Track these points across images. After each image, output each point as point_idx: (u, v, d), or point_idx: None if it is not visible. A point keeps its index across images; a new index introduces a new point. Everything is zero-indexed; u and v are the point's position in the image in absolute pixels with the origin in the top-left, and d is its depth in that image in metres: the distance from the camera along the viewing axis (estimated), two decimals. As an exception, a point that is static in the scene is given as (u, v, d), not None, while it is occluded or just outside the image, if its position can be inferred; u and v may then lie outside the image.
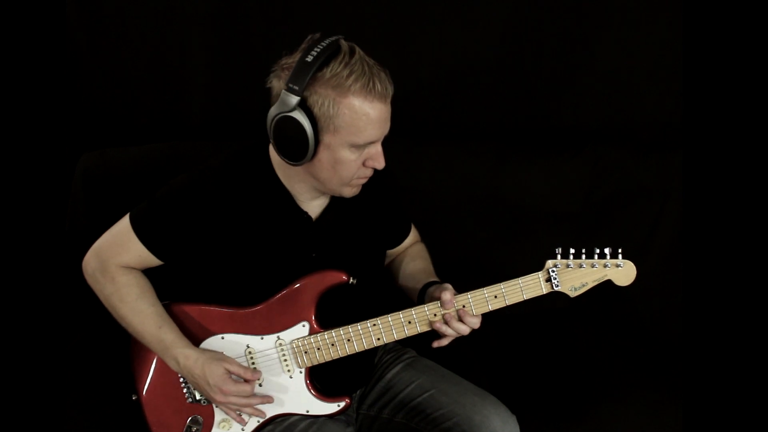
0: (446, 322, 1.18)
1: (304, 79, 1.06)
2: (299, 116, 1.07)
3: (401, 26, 1.90)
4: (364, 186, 1.21)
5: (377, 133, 1.12)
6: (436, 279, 1.33)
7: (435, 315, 1.20)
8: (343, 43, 1.09)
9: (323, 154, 1.12)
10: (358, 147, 1.12)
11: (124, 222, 1.23)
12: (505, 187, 1.88)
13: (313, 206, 1.25)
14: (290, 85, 1.06)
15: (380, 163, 1.16)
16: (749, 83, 1.09)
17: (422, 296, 1.30)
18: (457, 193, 1.87)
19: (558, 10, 1.90)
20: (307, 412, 1.26)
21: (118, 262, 1.23)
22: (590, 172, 1.90)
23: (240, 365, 1.21)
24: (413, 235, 1.50)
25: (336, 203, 1.26)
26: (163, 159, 1.76)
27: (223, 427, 1.27)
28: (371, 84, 1.07)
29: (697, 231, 1.13)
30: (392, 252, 1.47)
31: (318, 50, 1.06)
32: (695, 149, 1.14)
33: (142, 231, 1.21)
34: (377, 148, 1.15)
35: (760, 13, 1.09)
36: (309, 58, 1.05)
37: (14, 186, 1.07)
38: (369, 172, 1.18)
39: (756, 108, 1.08)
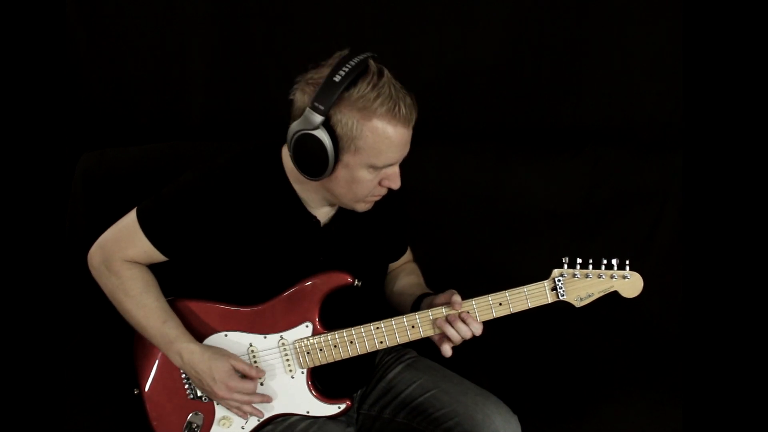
0: (450, 323, 1.18)
1: (330, 98, 1.05)
2: (322, 135, 1.07)
3: (401, 26, 1.90)
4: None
5: (397, 156, 1.13)
6: (431, 292, 1.33)
7: (440, 318, 1.20)
8: (372, 64, 1.08)
9: (341, 173, 1.12)
10: (377, 168, 1.12)
11: (131, 216, 1.23)
12: (505, 188, 1.88)
13: (322, 212, 1.25)
14: (315, 104, 1.05)
15: (396, 184, 1.16)
16: (749, 83, 1.09)
17: (418, 305, 1.30)
18: (457, 194, 1.87)
19: (558, 11, 1.90)
20: (308, 412, 1.26)
21: (123, 256, 1.23)
22: (590, 172, 1.90)
23: (245, 362, 1.21)
24: (408, 255, 1.50)
25: (345, 210, 1.26)
26: (163, 159, 1.76)
27: (223, 425, 1.27)
28: (397, 108, 1.07)
29: (697, 231, 1.14)
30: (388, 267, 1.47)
31: (346, 70, 1.05)
32: (695, 149, 1.14)
33: (148, 227, 1.21)
34: (395, 170, 1.15)
35: (760, 13, 1.09)
36: (337, 78, 1.05)
37: (14, 186, 1.07)
38: (383, 191, 1.18)
39: (756, 108, 1.08)
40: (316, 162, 1.10)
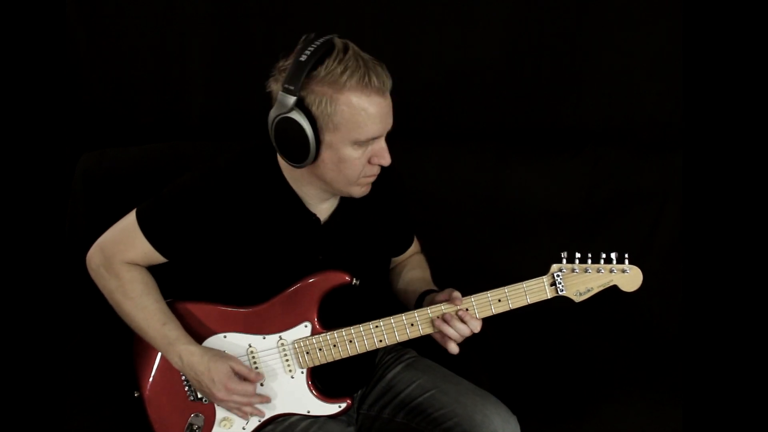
0: (447, 321, 1.18)
1: (299, 78, 1.05)
2: (297, 116, 1.07)
3: (401, 26, 1.90)
4: (374, 190, 1.21)
5: (378, 128, 1.11)
6: (435, 288, 1.33)
7: (438, 318, 1.20)
8: (337, 41, 1.08)
9: (326, 154, 1.11)
10: (361, 144, 1.11)
11: (130, 218, 1.22)
12: (506, 188, 1.88)
13: (322, 209, 1.25)
14: (286, 86, 1.06)
15: (386, 160, 1.14)
16: (749, 83, 1.09)
17: (420, 302, 1.29)
18: (458, 194, 1.87)
19: (558, 10, 1.90)
20: (308, 412, 1.26)
21: (122, 258, 1.23)
22: (590, 173, 1.90)
23: (244, 365, 1.22)
24: (415, 246, 1.50)
25: (345, 206, 1.25)
26: (163, 159, 1.76)
27: (224, 426, 1.27)
28: (366, 78, 1.06)
29: (697, 231, 1.14)
30: (393, 260, 1.47)
31: (312, 49, 1.06)
32: (695, 149, 1.15)
33: (148, 228, 1.21)
34: (381, 144, 1.14)
35: (760, 13, 1.09)
36: (303, 58, 1.05)
37: (14, 186, 1.07)
38: (376, 170, 1.17)
39: (756, 108, 1.08)
40: (298, 146, 1.09)
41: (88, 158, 1.76)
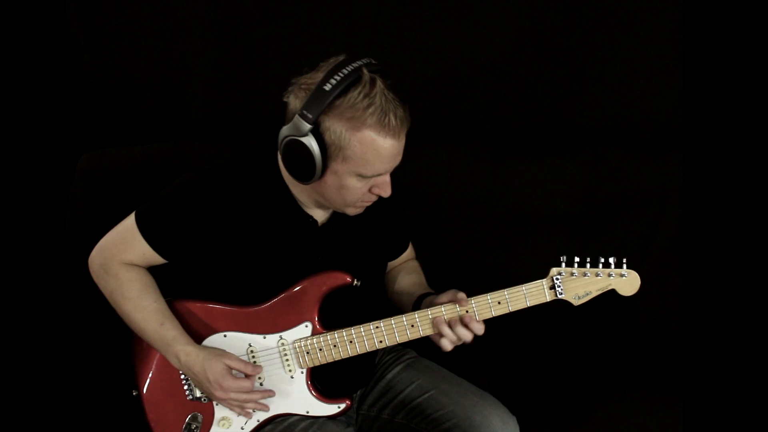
0: (450, 326, 1.18)
1: (319, 107, 1.04)
2: (310, 143, 1.07)
3: (402, 26, 1.90)
4: None
5: (386, 167, 1.12)
6: (432, 291, 1.33)
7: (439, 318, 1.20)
8: (365, 72, 1.06)
9: (330, 178, 1.12)
10: (365, 177, 1.12)
11: (130, 220, 1.23)
12: (506, 188, 1.88)
13: (319, 212, 1.25)
14: (304, 112, 1.05)
15: (386, 192, 1.15)
16: (749, 83, 1.09)
17: (418, 306, 1.29)
18: (457, 194, 1.87)
19: (559, 10, 1.90)
20: (308, 412, 1.26)
21: (122, 259, 1.23)
22: (590, 173, 1.90)
23: (240, 360, 1.21)
24: (410, 252, 1.50)
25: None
26: (164, 159, 1.76)
27: (222, 425, 1.27)
28: (386, 119, 1.05)
29: (697, 231, 1.14)
30: (388, 264, 1.47)
31: (338, 78, 1.04)
32: (695, 149, 1.14)
33: (146, 230, 1.21)
34: (385, 179, 1.14)
35: (760, 13, 1.09)
36: (327, 87, 1.04)
37: (14, 186, 1.07)
38: (374, 198, 1.18)
39: (756, 108, 1.08)
40: (304, 168, 1.10)
41: (88, 158, 1.76)
